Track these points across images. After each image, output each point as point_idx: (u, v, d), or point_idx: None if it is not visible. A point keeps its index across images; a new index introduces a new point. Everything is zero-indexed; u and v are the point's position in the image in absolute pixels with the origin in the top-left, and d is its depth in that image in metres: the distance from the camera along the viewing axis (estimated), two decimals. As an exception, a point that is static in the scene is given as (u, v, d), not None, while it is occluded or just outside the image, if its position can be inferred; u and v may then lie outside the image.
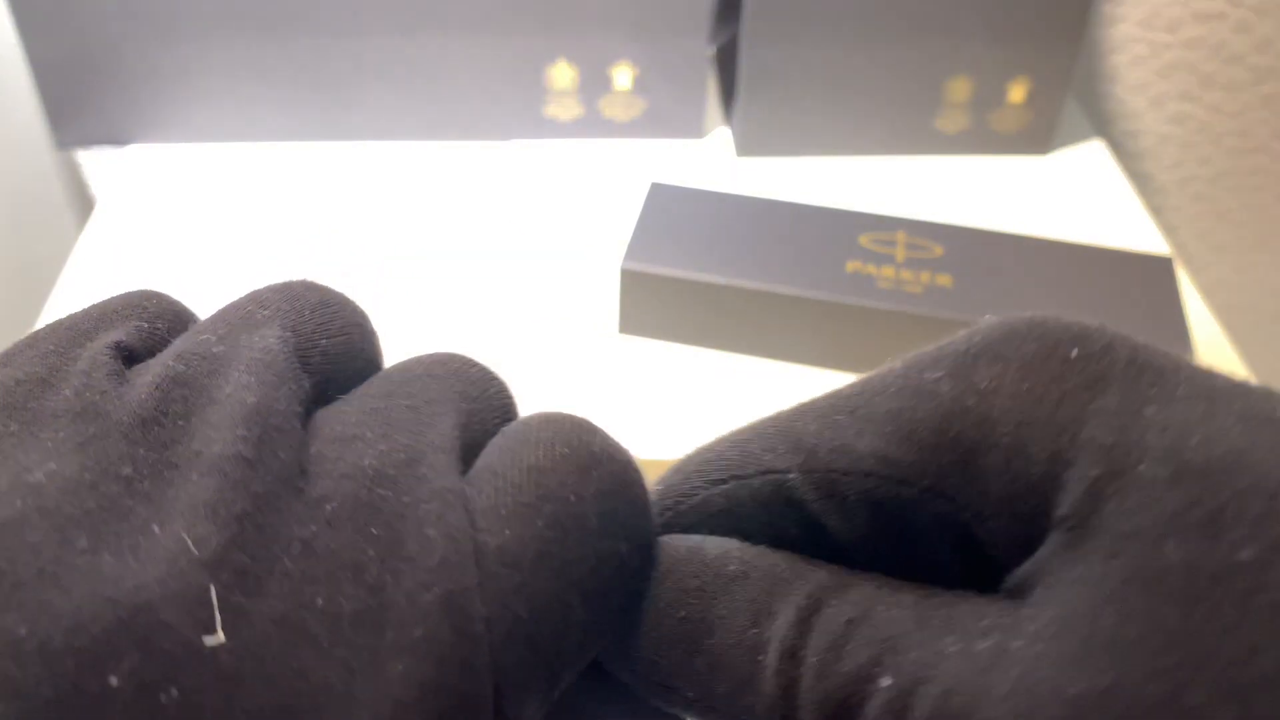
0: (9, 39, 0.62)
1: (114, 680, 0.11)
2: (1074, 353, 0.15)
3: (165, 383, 0.14)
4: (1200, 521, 0.12)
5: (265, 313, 0.16)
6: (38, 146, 0.75)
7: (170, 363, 0.15)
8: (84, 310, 0.16)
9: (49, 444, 0.13)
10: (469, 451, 0.16)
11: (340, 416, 0.15)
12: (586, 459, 0.16)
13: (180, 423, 0.14)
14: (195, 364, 0.15)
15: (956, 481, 0.15)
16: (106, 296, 0.18)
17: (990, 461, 0.15)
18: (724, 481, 0.17)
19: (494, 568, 0.14)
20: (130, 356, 0.16)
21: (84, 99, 0.63)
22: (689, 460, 0.19)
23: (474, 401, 0.17)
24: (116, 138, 0.65)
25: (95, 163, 0.67)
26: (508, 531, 0.15)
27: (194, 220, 0.60)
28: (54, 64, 0.61)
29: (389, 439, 0.15)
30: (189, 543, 0.12)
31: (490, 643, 0.14)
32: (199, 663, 0.12)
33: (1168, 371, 0.15)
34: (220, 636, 0.12)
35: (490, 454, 0.16)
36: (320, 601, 0.13)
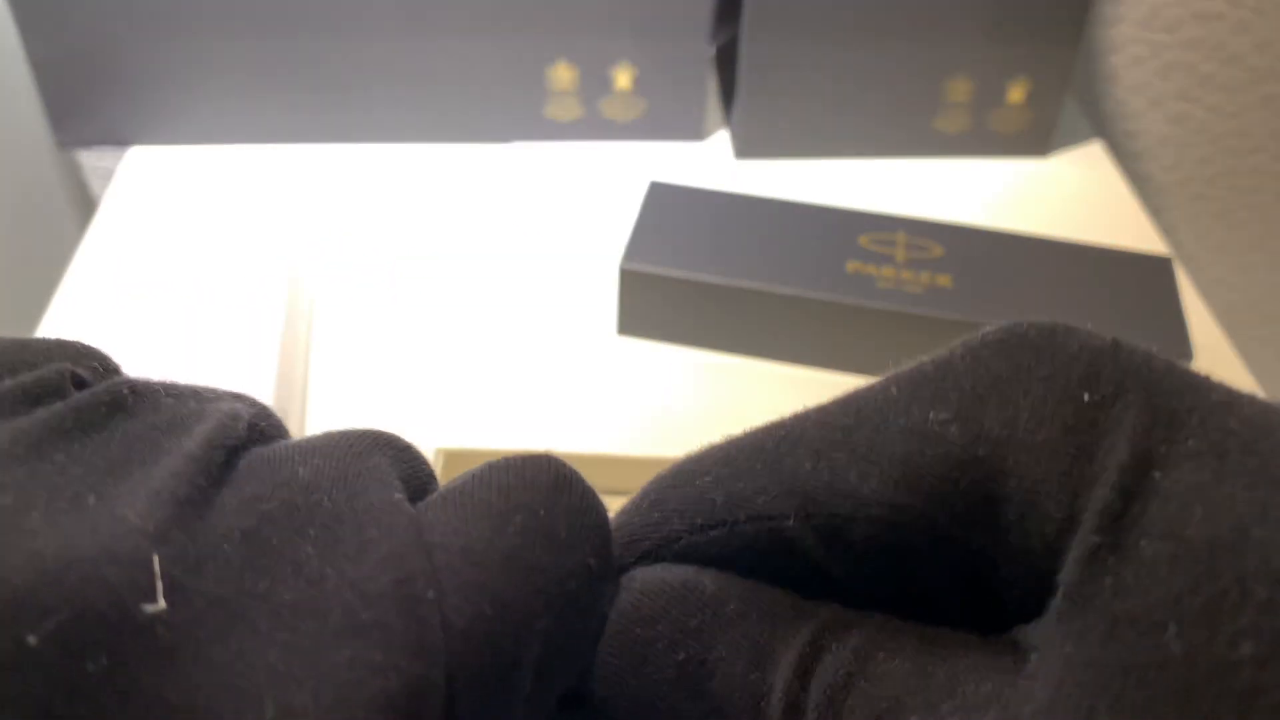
0: (10, 38, 0.62)
1: (32, 639, 0.10)
2: (1086, 397, 0.14)
3: (111, 389, 0.14)
4: (1200, 609, 0.12)
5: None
6: (38, 146, 0.75)
7: (117, 379, 0.15)
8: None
9: None
10: (408, 491, 0.16)
11: (273, 447, 0.15)
12: (555, 480, 0.16)
13: (114, 434, 0.14)
14: (133, 388, 0.15)
15: (970, 531, 0.14)
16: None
17: (1004, 515, 0.14)
18: (712, 527, 0.17)
19: (458, 564, 0.14)
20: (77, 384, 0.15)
21: (84, 99, 0.63)
22: (663, 493, 0.18)
23: (405, 453, 0.17)
24: (117, 138, 0.65)
25: (97, 163, 0.67)
26: (474, 533, 0.15)
27: (196, 222, 0.60)
28: (54, 64, 0.61)
29: (325, 460, 0.15)
30: (130, 514, 0.12)
31: (448, 636, 0.13)
32: (134, 632, 0.11)
33: (1179, 416, 0.14)
34: (161, 604, 0.11)
35: (455, 482, 0.16)
36: (261, 587, 0.12)
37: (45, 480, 0.12)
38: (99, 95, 0.63)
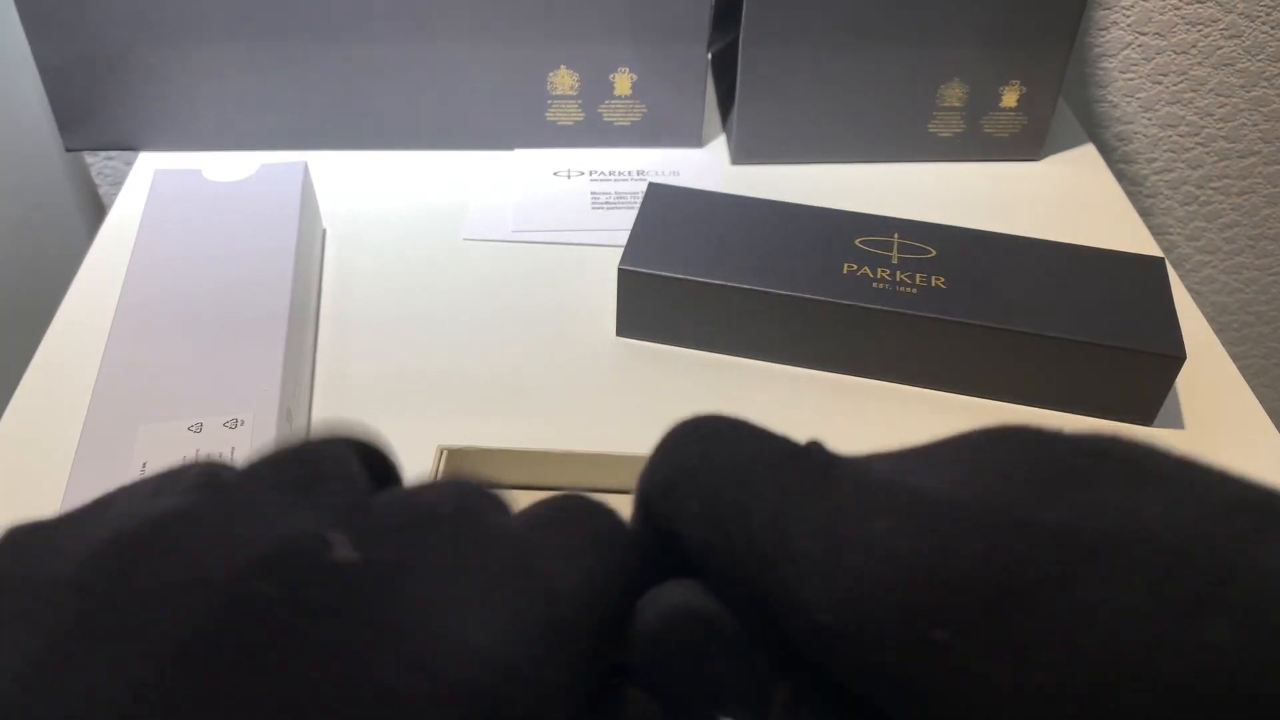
0: (19, 44, 0.63)
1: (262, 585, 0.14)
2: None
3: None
4: None
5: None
6: (47, 150, 0.76)
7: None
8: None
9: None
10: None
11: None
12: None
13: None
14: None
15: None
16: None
17: None
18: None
19: (554, 549, 0.17)
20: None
21: (92, 104, 0.64)
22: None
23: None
24: (124, 142, 0.66)
25: (106, 167, 0.68)
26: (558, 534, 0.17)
27: (203, 225, 0.61)
28: (63, 69, 0.62)
29: (434, 489, 0.18)
30: (313, 517, 0.16)
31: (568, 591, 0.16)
32: (328, 571, 0.14)
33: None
34: (354, 554, 0.15)
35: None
36: (417, 556, 0.15)
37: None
38: (107, 100, 0.64)
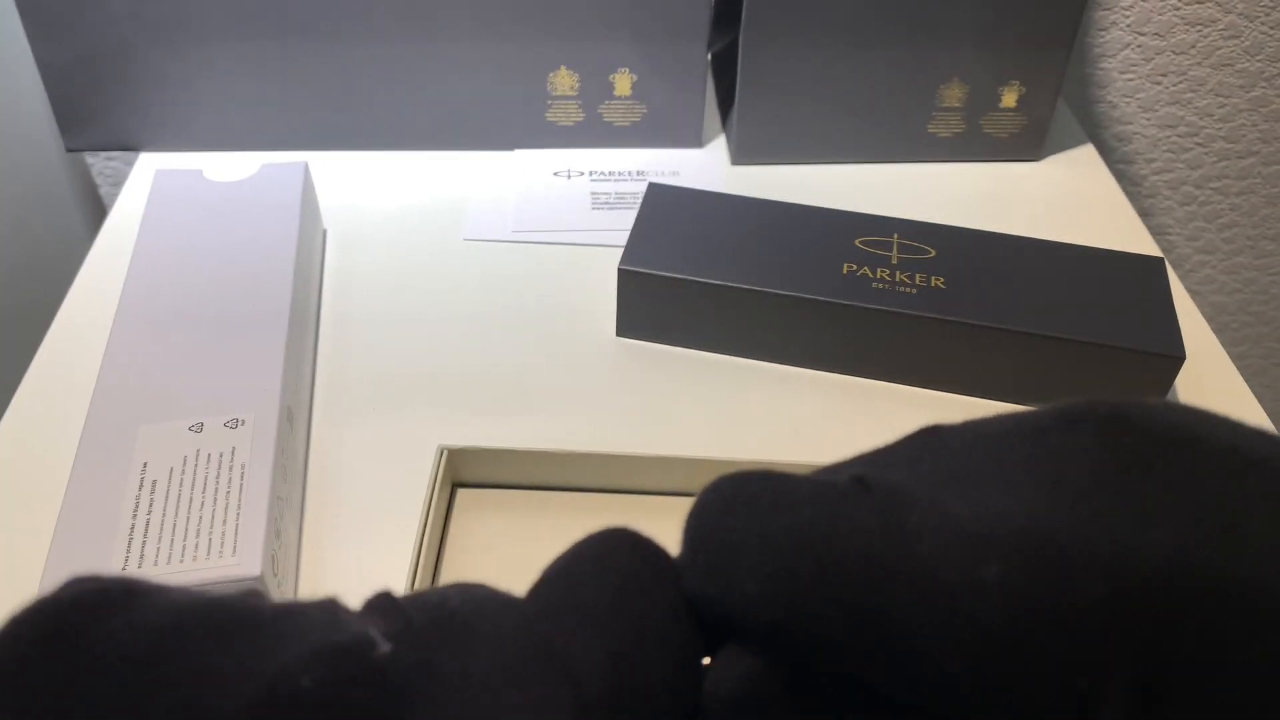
0: (19, 44, 0.63)
1: (306, 681, 0.14)
2: None
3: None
4: None
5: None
6: (47, 150, 0.76)
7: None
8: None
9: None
10: None
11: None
12: (633, 542, 0.18)
13: None
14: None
15: None
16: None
17: None
18: None
19: (572, 625, 0.16)
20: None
21: (92, 104, 0.64)
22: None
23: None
24: (125, 142, 0.66)
25: (106, 168, 0.68)
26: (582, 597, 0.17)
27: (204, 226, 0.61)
28: (64, 69, 0.62)
29: (454, 590, 0.17)
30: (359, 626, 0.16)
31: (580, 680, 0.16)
32: (371, 669, 0.14)
33: None
34: (386, 647, 0.15)
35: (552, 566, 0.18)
36: (444, 656, 0.15)
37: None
38: (108, 100, 0.64)
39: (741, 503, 0.16)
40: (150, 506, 0.40)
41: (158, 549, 0.39)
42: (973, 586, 0.14)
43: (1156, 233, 0.89)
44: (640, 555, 0.17)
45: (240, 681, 0.13)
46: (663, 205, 0.56)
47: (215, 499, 0.40)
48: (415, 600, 0.16)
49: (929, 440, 0.16)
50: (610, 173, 0.67)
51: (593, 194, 0.65)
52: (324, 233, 0.62)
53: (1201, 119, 0.83)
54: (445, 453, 0.45)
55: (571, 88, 0.66)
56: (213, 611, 0.15)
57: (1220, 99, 0.82)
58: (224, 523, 0.40)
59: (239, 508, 0.40)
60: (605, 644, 0.15)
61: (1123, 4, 0.77)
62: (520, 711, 0.14)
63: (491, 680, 0.15)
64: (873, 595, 0.14)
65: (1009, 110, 0.67)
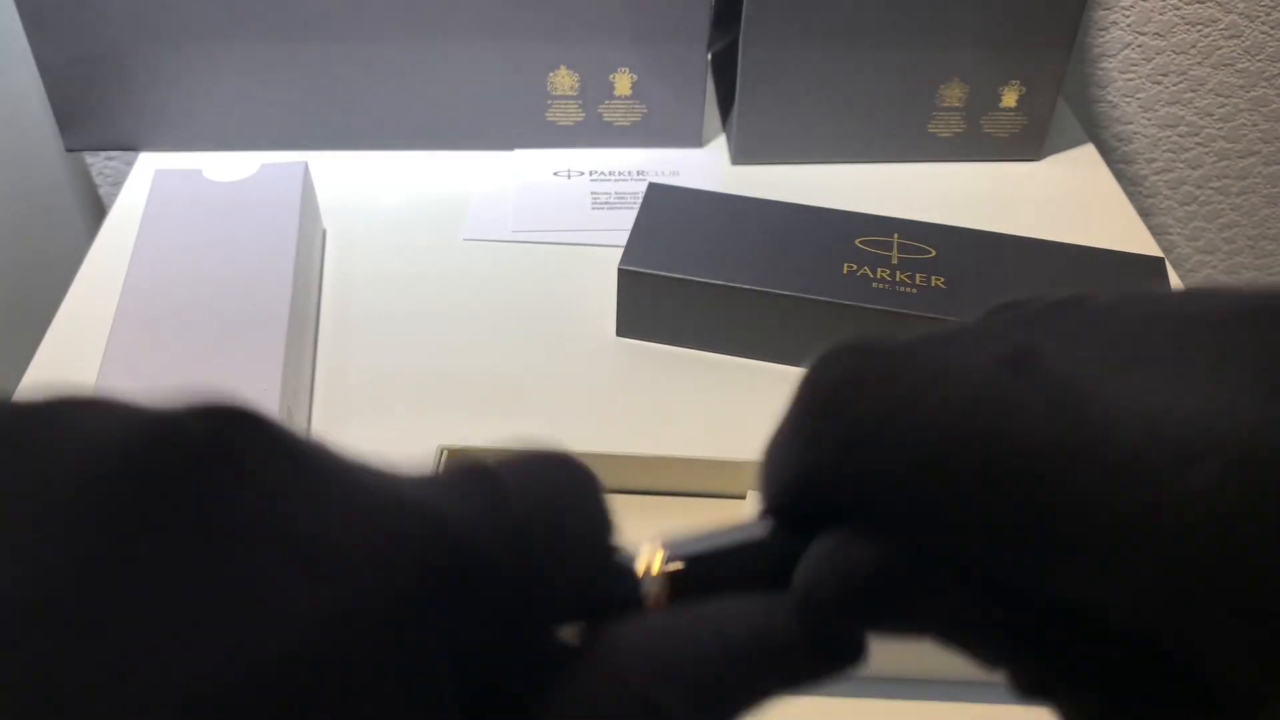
0: (19, 44, 0.63)
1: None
2: None
3: None
4: None
5: None
6: (47, 150, 0.76)
7: None
8: None
9: None
10: None
11: None
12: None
13: None
14: None
15: None
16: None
17: None
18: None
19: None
20: None
21: (92, 104, 0.64)
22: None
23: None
24: (124, 142, 0.66)
25: (106, 168, 0.68)
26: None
27: (204, 226, 0.61)
28: (64, 69, 0.62)
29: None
30: None
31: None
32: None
33: None
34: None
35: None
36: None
37: None
38: (107, 100, 0.64)
39: (875, 381, 0.15)
40: (150, 506, 0.40)
41: (157, 549, 0.39)
42: (1177, 491, 0.12)
43: (1157, 233, 0.89)
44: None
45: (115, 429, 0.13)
46: (662, 205, 0.56)
47: (215, 499, 0.40)
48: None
49: (1077, 313, 0.15)
50: (610, 173, 0.67)
51: (593, 194, 0.65)
52: (324, 232, 0.62)
53: (1202, 119, 0.83)
54: (445, 453, 0.45)
55: (571, 87, 0.66)
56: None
57: (1221, 99, 0.82)
58: (224, 523, 0.39)
59: (239, 508, 0.40)
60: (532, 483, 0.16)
61: (1123, 4, 0.77)
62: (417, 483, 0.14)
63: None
64: (1045, 492, 0.13)
65: (1009, 110, 0.67)
